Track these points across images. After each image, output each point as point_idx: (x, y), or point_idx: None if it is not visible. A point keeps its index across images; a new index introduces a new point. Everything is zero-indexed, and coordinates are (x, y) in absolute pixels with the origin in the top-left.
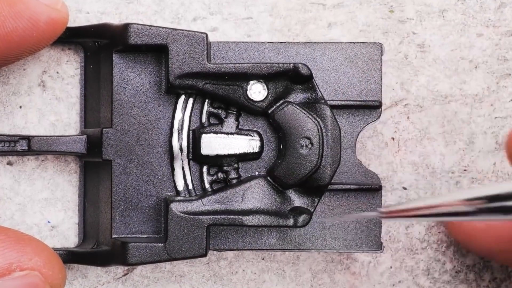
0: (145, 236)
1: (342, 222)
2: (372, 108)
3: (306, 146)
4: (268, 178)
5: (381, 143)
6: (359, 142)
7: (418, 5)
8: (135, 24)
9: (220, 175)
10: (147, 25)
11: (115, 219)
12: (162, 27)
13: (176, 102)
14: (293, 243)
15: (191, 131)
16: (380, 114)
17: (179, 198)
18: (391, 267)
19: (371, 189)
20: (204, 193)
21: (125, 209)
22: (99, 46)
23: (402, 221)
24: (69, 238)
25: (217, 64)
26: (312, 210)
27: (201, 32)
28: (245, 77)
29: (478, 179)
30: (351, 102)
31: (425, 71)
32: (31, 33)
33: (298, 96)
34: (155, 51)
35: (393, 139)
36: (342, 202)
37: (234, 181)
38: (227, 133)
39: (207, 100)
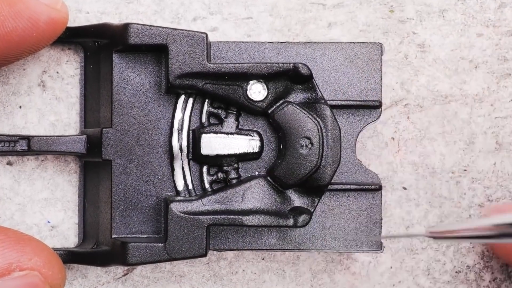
0: (145, 236)
1: (342, 222)
2: (372, 108)
3: (306, 146)
4: (268, 178)
5: (381, 143)
6: (359, 142)
7: (418, 5)
8: (135, 24)
9: (220, 175)
10: (147, 25)
11: (115, 219)
12: (162, 27)
13: (176, 102)
14: (293, 243)
15: (191, 131)
16: (380, 114)
17: (179, 198)
18: (391, 267)
19: (371, 189)
20: (204, 193)
21: (125, 209)
22: (99, 46)
23: (450, 243)
24: (69, 238)
25: (217, 64)
26: (312, 210)
27: (201, 32)
28: (245, 77)
29: (478, 179)
30: (351, 102)
31: (425, 71)
32: (31, 33)
33: (298, 96)
34: (155, 51)
35: (393, 139)
36: (342, 202)
37: (234, 181)
38: (227, 133)
39: (207, 100)
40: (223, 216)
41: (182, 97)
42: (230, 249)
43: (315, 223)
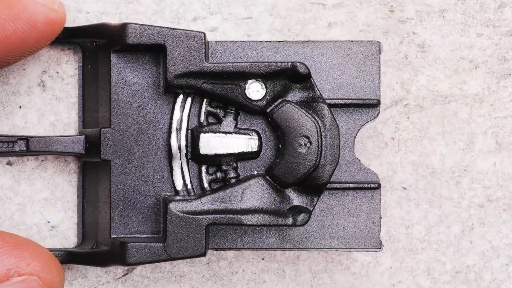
0: (144, 236)
1: (341, 221)
2: (370, 106)
3: (305, 145)
4: (267, 177)
5: (381, 143)
6: (359, 142)
7: (418, 5)
8: (133, 23)
9: (219, 174)
10: (145, 25)
11: (114, 219)
12: (160, 27)
13: (175, 102)
14: (293, 242)
15: (189, 131)
16: (379, 112)
17: (178, 197)
18: (391, 267)
19: (370, 187)
20: (203, 193)
21: (124, 209)
22: (97, 46)
23: None
24: (69, 238)
25: (215, 63)
26: (311, 209)
27: (199, 32)
28: (243, 76)
29: (478, 179)
30: (350, 101)
31: (425, 71)
32: (30, 35)
33: (296, 95)
34: (153, 51)
35: (393, 139)
36: (341, 201)
37: (233, 180)
38: (226, 133)
39: (205, 100)
40: (222, 216)
41: (181, 96)
42: (230, 249)
43: (314, 222)
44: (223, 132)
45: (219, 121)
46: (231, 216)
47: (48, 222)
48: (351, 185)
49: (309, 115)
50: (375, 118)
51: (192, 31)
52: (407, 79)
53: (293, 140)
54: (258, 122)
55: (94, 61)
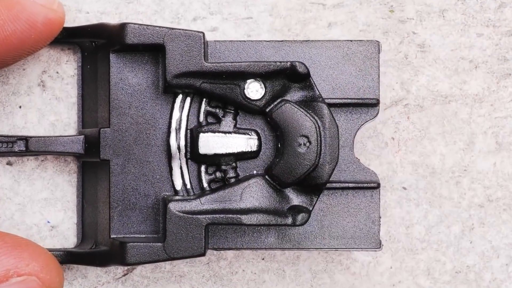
0: (144, 236)
1: (341, 221)
2: (370, 106)
3: (304, 144)
4: (266, 177)
5: (381, 143)
6: (359, 142)
7: (418, 5)
8: (132, 23)
9: (218, 174)
10: (144, 25)
11: (114, 219)
12: (159, 27)
13: (174, 102)
14: (292, 241)
15: (188, 131)
16: (378, 112)
17: (177, 197)
18: (391, 267)
19: (369, 187)
20: (202, 193)
21: (124, 209)
22: (96, 46)
23: None
24: (69, 238)
25: (214, 63)
26: (311, 208)
27: (198, 31)
28: (243, 75)
29: (478, 179)
30: (349, 100)
31: (425, 71)
32: (29, 35)
33: (295, 95)
34: (152, 51)
35: (393, 139)
36: (340, 200)
37: (232, 180)
38: (225, 132)
39: (204, 99)
40: (222, 215)
41: (180, 96)
42: (229, 249)
43: (314, 222)
44: (222, 132)
45: (218, 120)
46: (230, 216)
47: (48, 222)
48: (351, 185)
49: (308, 115)
50: (375, 117)
51: (191, 30)
52: (407, 79)
53: (293, 139)
54: (257, 122)
55: (93, 61)
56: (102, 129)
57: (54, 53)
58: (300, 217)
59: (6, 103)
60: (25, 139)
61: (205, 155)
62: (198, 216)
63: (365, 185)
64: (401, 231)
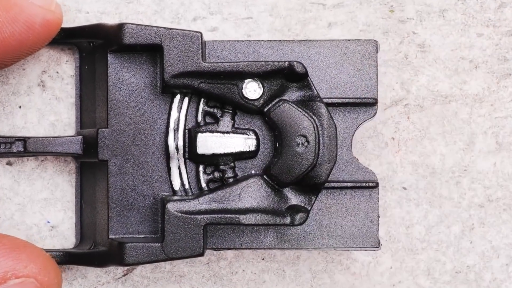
0: (142, 236)
1: (340, 220)
2: (368, 105)
3: (302, 144)
4: (265, 176)
5: (381, 143)
6: (359, 142)
7: (418, 5)
8: (130, 24)
9: (216, 174)
10: (142, 25)
11: (112, 220)
12: (157, 27)
13: (172, 102)
14: (291, 241)
15: (186, 131)
16: (376, 111)
17: (175, 197)
18: (391, 267)
19: (368, 186)
20: (200, 193)
21: (122, 209)
22: (94, 47)
23: None
24: (69, 238)
25: (212, 63)
26: (309, 208)
27: (196, 31)
28: (240, 75)
29: (478, 179)
30: (347, 100)
31: (425, 71)
32: (27, 36)
33: (293, 94)
34: (150, 51)
35: (393, 139)
36: (339, 200)
37: (231, 180)
38: (223, 132)
39: (202, 99)
40: (220, 215)
41: (178, 96)
42: (228, 249)
43: (312, 221)
44: (220, 132)
45: (217, 120)
46: (229, 215)
47: (48, 222)
48: (349, 184)
49: (306, 114)
50: (373, 117)
51: (189, 30)
52: (407, 79)
53: (291, 139)
54: (255, 122)
55: (91, 61)
56: (100, 130)
57: (54, 53)
58: (299, 216)
59: (6, 103)
60: (23, 139)
61: (203, 155)
62: (197, 216)
63: (364, 184)
64: (401, 231)
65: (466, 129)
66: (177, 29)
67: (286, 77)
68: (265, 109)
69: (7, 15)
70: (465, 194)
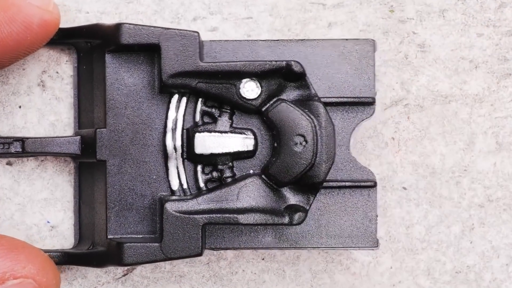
0: (141, 236)
1: (338, 219)
2: (365, 104)
3: (300, 143)
4: (263, 176)
5: (381, 143)
6: (359, 142)
7: (418, 5)
8: (127, 24)
9: (214, 174)
10: (139, 25)
11: (110, 220)
12: (154, 27)
13: (170, 102)
14: (289, 241)
15: (185, 130)
16: (374, 110)
17: (174, 197)
18: (391, 267)
19: (366, 186)
20: (199, 192)
21: (120, 209)
22: (91, 47)
23: None
24: (68, 238)
25: (210, 62)
26: (308, 207)
27: (193, 31)
28: (238, 75)
29: (478, 179)
30: (345, 99)
31: (426, 71)
32: (25, 36)
33: (291, 94)
34: (147, 51)
35: (393, 139)
36: (337, 199)
37: (229, 179)
38: (221, 132)
39: (200, 99)
40: (218, 215)
41: (176, 96)
42: (227, 248)
43: (311, 221)
44: (218, 132)
45: (215, 120)
46: (227, 215)
47: (48, 222)
48: (347, 184)
49: (304, 114)
50: (371, 116)
51: (186, 30)
52: (407, 79)
53: (289, 139)
54: (253, 121)
55: (89, 61)
56: (98, 130)
57: (54, 53)
58: (297, 216)
59: (6, 103)
60: (22, 140)
61: (202, 155)
62: (195, 216)
63: (362, 183)
64: (401, 231)
65: (466, 129)
66: (174, 29)
67: (284, 76)
68: (263, 109)
69: (5, 15)
70: (465, 194)
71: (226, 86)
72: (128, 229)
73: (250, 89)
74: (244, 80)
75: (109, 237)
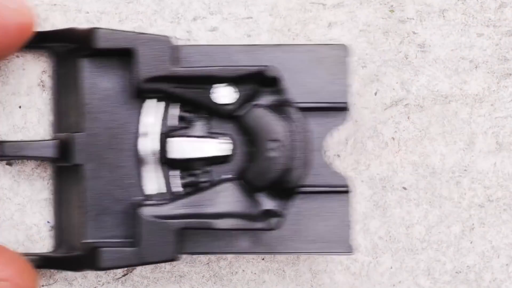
0: (117, 240)
1: (314, 225)
2: (339, 110)
3: (276, 148)
4: (239, 181)
5: (381, 143)
6: (359, 142)
7: (418, 5)
8: (101, 28)
9: (191, 178)
10: (113, 30)
11: (88, 224)
12: (128, 31)
13: (146, 106)
14: (266, 246)
15: (161, 135)
16: (348, 116)
17: (149, 202)
18: (391, 267)
19: (339, 191)
20: (175, 197)
21: (98, 213)
22: (68, 51)
23: None
24: None
25: (183, 67)
26: (284, 212)
27: (165, 36)
28: (213, 80)
29: (478, 179)
30: (319, 104)
31: (426, 71)
32: (2, 39)
33: (267, 99)
34: (122, 55)
35: (393, 139)
36: (312, 205)
37: (206, 184)
38: (198, 137)
39: (177, 104)
40: (194, 220)
41: (153, 100)
42: (203, 253)
43: (287, 226)
44: (195, 136)
45: (191, 125)
46: (202, 220)
47: (48, 222)
48: (322, 189)
49: (279, 119)
50: (345, 121)
51: (159, 35)
52: (407, 79)
53: (265, 144)
54: (230, 126)
55: (66, 65)
56: (75, 134)
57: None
58: (273, 221)
59: (6, 103)
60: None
61: (177, 160)
62: (170, 221)
63: (336, 189)
64: (401, 231)
65: (466, 129)
66: (148, 34)
67: (260, 81)
68: (239, 114)
69: None
70: (465, 194)
71: (201, 91)
72: (105, 233)
73: (225, 94)
74: (219, 85)
75: (85, 241)
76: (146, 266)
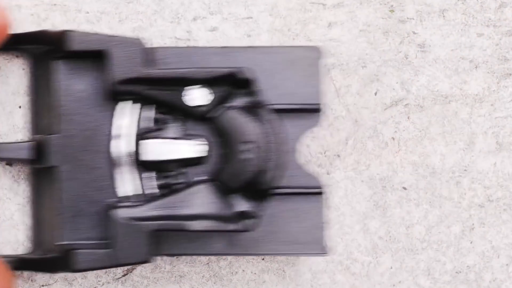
0: (92, 242)
1: (288, 226)
2: (312, 111)
3: (250, 150)
4: (214, 182)
5: (381, 143)
6: (359, 142)
7: (418, 5)
8: (73, 31)
9: (166, 180)
10: (85, 32)
11: (63, 226)
12: (100, 34)
13: (121, 108)
14: (241, 247)
15: (136, 137)
16: (321, 117)
17: (124, 204)
18: (391, 267)
19: (312, 192)
20: (149, 199)
21: (73, 215)
22: (44, 52)
23: None
24: None
25: (156, 69)
26: (259, 214)
27: (136, 38)
28: (186, 82)
29: (478, 179)
30: (293, 106)
31: (426, 71)
32: None
33: (241, 101)
34: (95, 57)
35: (393, 139)
36: (287, 206)
37: (181, 186)
38: (173, 138)
39: (152, 105)
40: (168, 222)
41: (128, 102)
42: (179, 255)
43: (262, 227)
44: (170, 138)
45: (166, 126)
46: (176, 222)
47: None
48: (295, 190)
49: (253, 121)
50: (317, 123)
51: (131, 37)
52: (407, 79)
53: (238, 145)
54: (205, 128)
55: (41, 67)
56: (51, 136)
57: None
58: (248, 222)
59: (6, 103)
60: None
61: (152, 162)
62: (144, 222)
63: (309, 190)
64: (401, 231)
65: (466, 129)
66: (119, 36)
67: (233, 83)
68: (213, 116)
69: None
70: (465, 194)
71: (176, 93)
72: (81, 235)
73: (198, 96)
74: (192, 87)
75: (60, 243)
76: (146, 265)
